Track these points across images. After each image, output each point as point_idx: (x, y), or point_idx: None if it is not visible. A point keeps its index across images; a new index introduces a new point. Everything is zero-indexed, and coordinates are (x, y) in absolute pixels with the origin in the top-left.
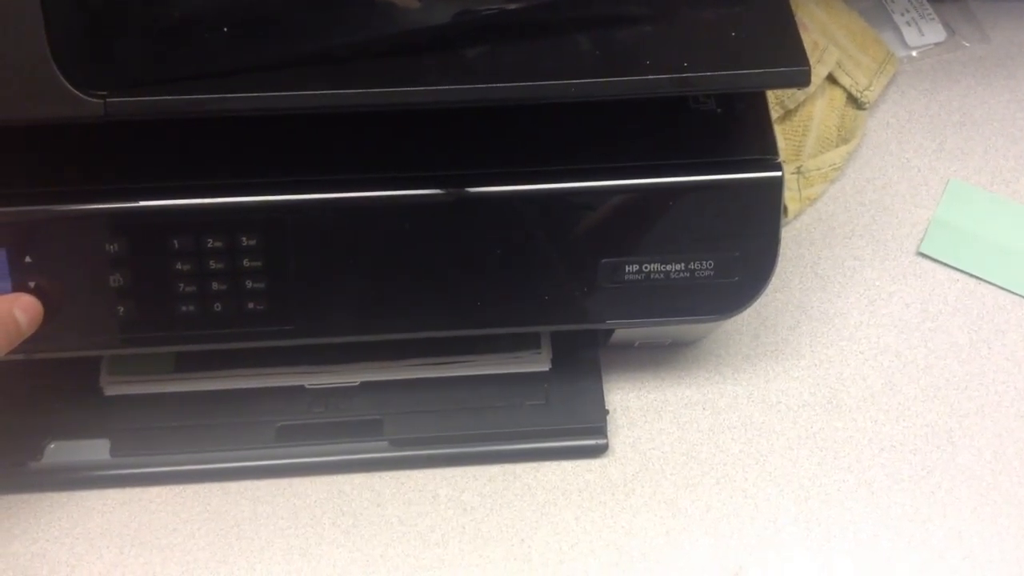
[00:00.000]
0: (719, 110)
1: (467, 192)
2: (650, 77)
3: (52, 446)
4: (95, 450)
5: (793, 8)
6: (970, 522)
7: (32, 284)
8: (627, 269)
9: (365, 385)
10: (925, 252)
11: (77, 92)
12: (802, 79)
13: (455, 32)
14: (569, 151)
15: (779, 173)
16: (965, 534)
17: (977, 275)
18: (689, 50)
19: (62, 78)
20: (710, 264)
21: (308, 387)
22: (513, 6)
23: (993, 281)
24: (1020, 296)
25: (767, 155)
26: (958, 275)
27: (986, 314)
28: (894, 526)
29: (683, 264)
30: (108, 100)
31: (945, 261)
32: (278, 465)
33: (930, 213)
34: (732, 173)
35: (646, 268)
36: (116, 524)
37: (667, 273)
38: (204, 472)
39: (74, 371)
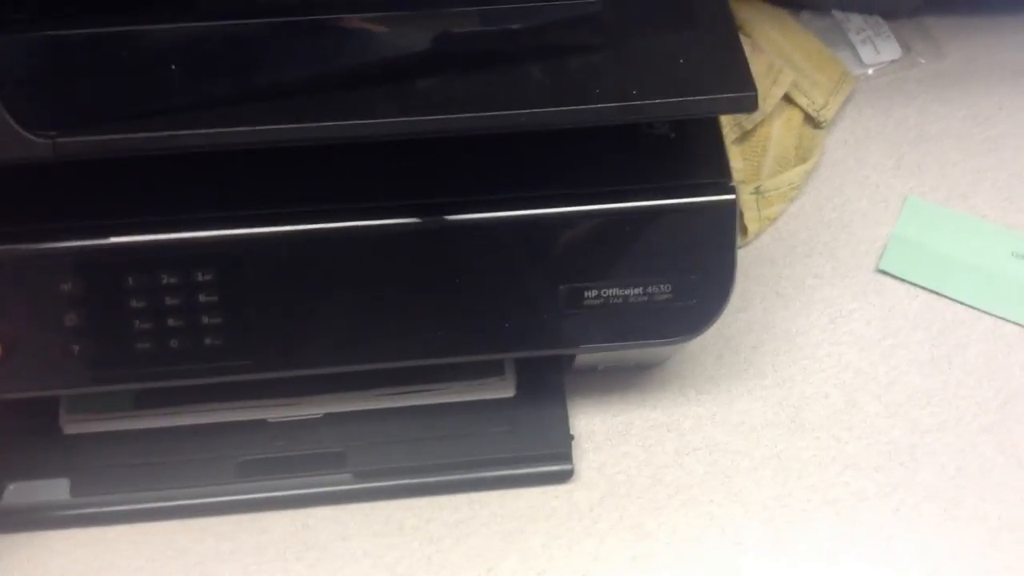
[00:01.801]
0: (672, 135)
1: (424, 221)
2: (599, 106)
3: (11, 487)
4: (55, 490)
5: (748, 31)
6: (934, 538)
7: None
8: (586, 294)
9: (328, 417)
10: (885, 269)
11: (26, 133)
12: (749, 104)
13: (406, 64)
14: (525, 179)
15: (732, 196)
16: (929, 550)
17: (936, 291)
18: (638, 78)
19: (10, 119)
20: (668, 287)
21: (270, 421)
22: (464, 38)
23: (952, 296)
24: (979, 311)
25: (720, 178)
26: (918, 291)
27: (946, 329)
28: (859, 544)
29: (641, 288)
30: (57, 140)
31: (904, 277)
32: (241, 500)
33: (889, 230)
34: (686, 197)
35: (605, 293)
36: (79, 564)
37: (626, 297)
38: (166, 509)
39: (33, 410)
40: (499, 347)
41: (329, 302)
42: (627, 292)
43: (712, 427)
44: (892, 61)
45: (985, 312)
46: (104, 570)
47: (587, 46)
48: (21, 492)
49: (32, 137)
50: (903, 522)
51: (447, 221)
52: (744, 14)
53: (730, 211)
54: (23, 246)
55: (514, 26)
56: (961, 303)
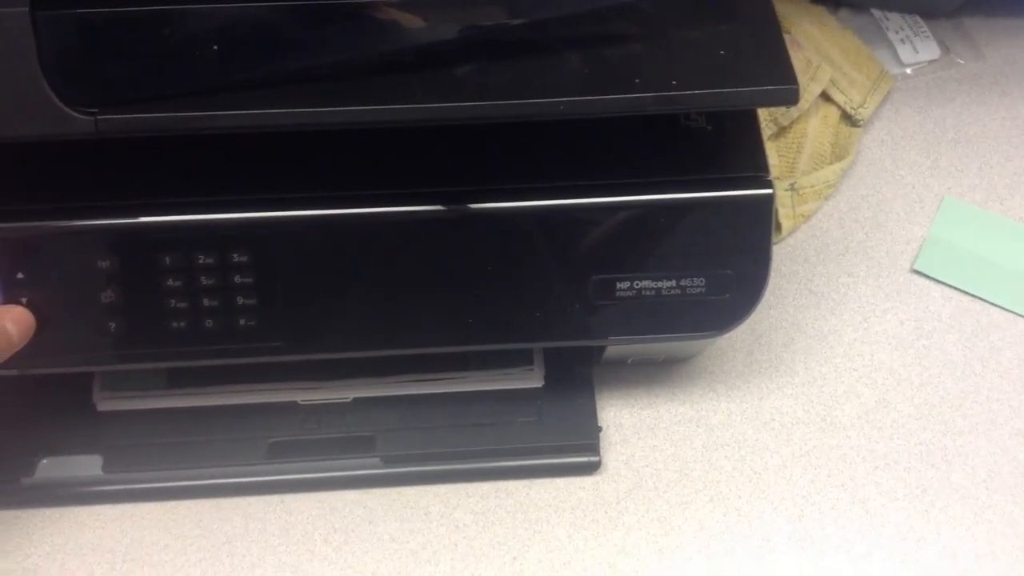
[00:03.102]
0: (710, 128)
1: (459, 209)
2: (639, 95)
3: (45, 462)
4: (87, 466)
5: (787, 27)
6: (964, 540)
7: (24, 300)
8: (619, 286)
9: (358, 401)
10: (919, 269)
11: (68, 110)
12: (790, 97)
13: (445, 51)
14: (561, 168)
15: (770, 191)
16: (959, 552)
17: (971, 292)
18: (678, 69)
19: (54, 96)
20: (701, 281)
21: (301, 403)
22: (504, 25)
23: (987, 299)
24: (1014, 313)
25: (758, 172)
26: (952, 292)
27: (980, 331)
28: (888, 544)
29: (674, 281)
30: (99, 117)
31: (939, 278)
32: (270, 482)
33: (924, 230)
34: (723, 191)
35: (637, 285)
36: (108, 540)
37: (658, 290)
38: (196, 488)
39: (67, 387)
40: (530, 337)
41: (362, 287)
42: (660, 285)
43: (741, 423)
44: (931, 61)
45: (1020, 315)
46: (132, 546)
47: (627, 36)
48: (53, 467)
49: (74, 114)
50: (933, 524)
51: (482, 209)
52: (783, 10)
53: (767, 205)
54: (62, 223)
55: (555, 14)
56: (996, 306)
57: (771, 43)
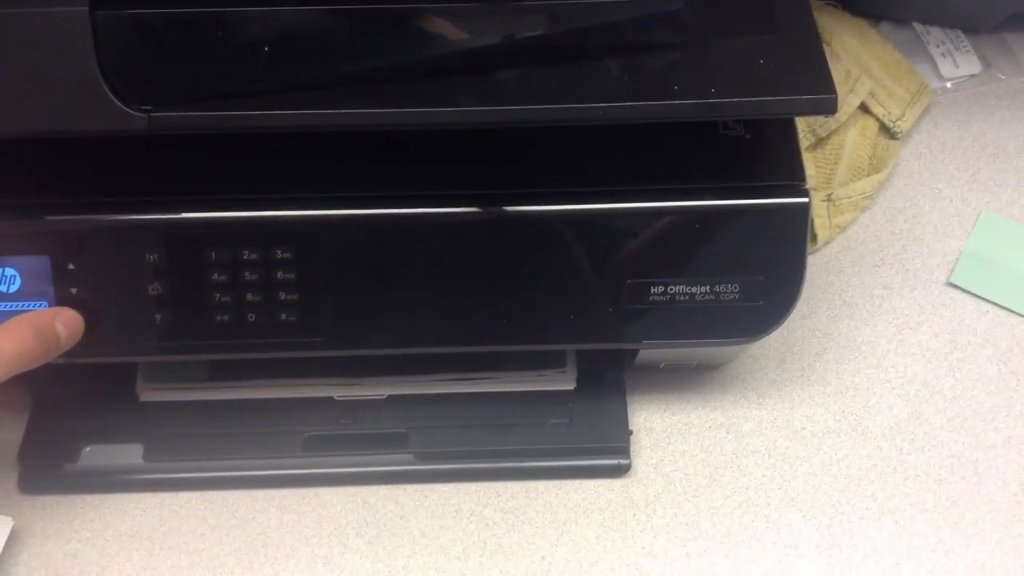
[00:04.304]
0: (748, 136)
1: (497, 211)
2: (678, 102)
3: (88, 449)
4: (129, 454)
5: (827, 39)
6: (994, 553)
7: (74, 291)
8: (653, 290)
9: (392, 399)
10: (955, 283)
11: (124, 107)
12: (828, 107)
13: (487, 56)
14: (599, 173)
15: (806, 200)
16: (988, 566)
17: (1007, 307)
18: (717, 76)
19: (110, 93)
20: (735, 288)
21: (336, 399)
22: (546, 33)
23: (1023, 313)
24: None
25: (794, 181)
26: (988, 307)
27: (1016, 346)
28: (917, 556)
29: (708, 287)
30: (153, 115)
31: (975, 292)
32: (305, 475)
33: (961, 244)
34: (759, 198)
35: (672, 290)
36: (146, 527)
37: (692, 295)
38: (233, 479)
39: (111, 378)
40: (564, 338)
41: (399, 286)
42: (694, 290)
43: (772, 431)
44: (971, 76)
45: None
46: (170, 534)
47: (668, 44)
48: (96, 454)
49: (129, 110)
50: (962, 536)
51: (520, 212)
52: (824, 22)
53: (803, 214)
54: (112, 217)
55: (596, 22)
56: None
57: (810, 53)
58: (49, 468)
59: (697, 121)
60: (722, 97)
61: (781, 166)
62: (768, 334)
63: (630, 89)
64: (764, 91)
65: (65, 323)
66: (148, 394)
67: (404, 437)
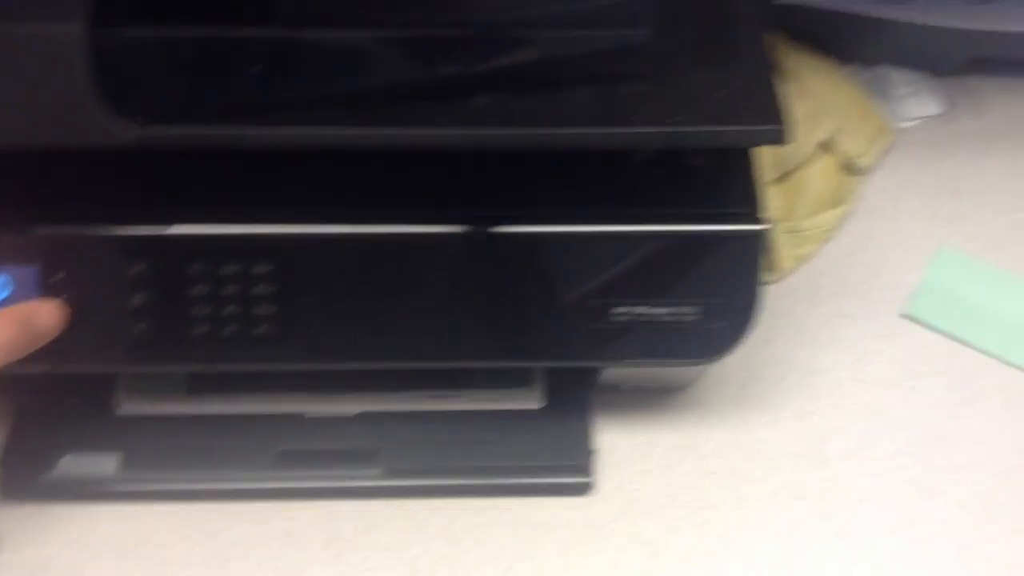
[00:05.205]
0: (709, 165)
1: (466, 232)
2: (639, 130)
3: (65, 459)
4: (105, 465)
5: (794, 77)
6: (947, 575)
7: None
8: (615, 311)
9: (362, 416)
10: (912, 314)
11: (114, 122)
12: (779, 137)
13: (459, 83)
14: (565, 197)
15: (761, 227)
16: None
17: (962, 339)
18: (678, 107)
19: (101, 108)
20: (694, 310)
21: (309, 415)
22: (517, 61)
23: (976, 345)
24: (1001, 360)
25: (750, 209)
26: (942, 338)
27: (969, 377)
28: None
29: (669, 309)
30: (143, 130)
31: (931, 324)
32: (276, 488)
33: (919, 277)
34: (717, 225)
35: (633, 311)
36: (118, 537)
37: (653, 317)
38: (205, 492)
39: (90, 390)
40: (527, 356)
41: (372, 302)
42: (655, 312)
43: (732, 453)
44: (934, 116)
45: (1007, 363)
46: (140, 544)
47: (632, 74)
48: (72, 464)
49: (120, 126)
50: (916, 557)
51: (487, 232)
52: (793, 63)
53: (758, 240)
54: (98, 229)
55: (564, 52)
56: (984, 352)
57: (764, 87)
58: (26, 477)
59: (659, 150)
60: (680, 127)
61: (739, 194)
62: (727, 355)
63: (595, 117)
64: (720, 122)
65: (49, 313)
66: (126, 407)
67: (373, 453)
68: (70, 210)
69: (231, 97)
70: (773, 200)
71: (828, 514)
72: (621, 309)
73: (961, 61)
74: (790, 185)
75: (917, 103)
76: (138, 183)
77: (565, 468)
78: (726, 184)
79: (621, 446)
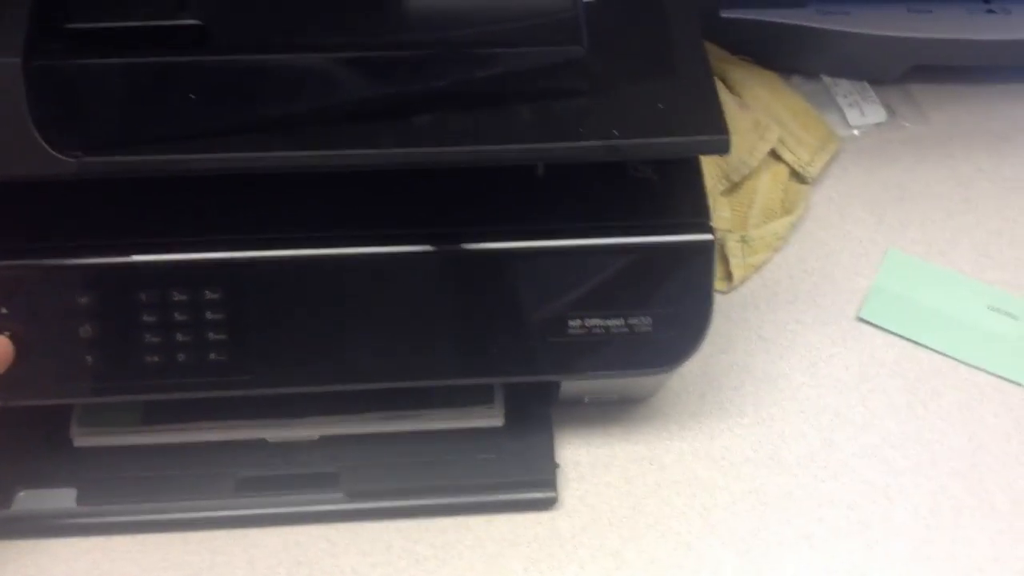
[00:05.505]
0: (656, 177)
1: (418, 250)
2: (582, 144)
3: (21, 494)
4: (62, 499)
5: (739, 90)
6: (904, 575)
7: (6, 334)
8: (570, 324)
9: (323, 439)
10: (864, 317)
11: (53, 152)
12: (721, 147)
13: (402, 101)
14: (515, 213)
15: (709, 236)
16: None
17: (914, 340)
18: (619, 120)
19: (40, 139)
20: (648, 320)
21: (269, 441)
22: (457, 79)
23: (929, 346)
24: (955, 360)
25: (699, 218)
26: (896, 340)
27: (922, 377)
28: None
29: (623, 320)
30: (82, 159)
31: (883, 326)
32: (237, 516)
33: (869, 281)
34: (667, 235)
35: (588, 323)
36: (79, 572)
37: (608, 328)
38: (166, 522)
39: (45, 423)
40: (485, 372)
41: (324, 324)
42: (609, 323)
43: (693, 462)
44: (877, 124)
45: (960, 362)
46: None
47: (572, 90)
48: (30, 500)
49: (59, 156)
50: (875, 559)
51: (438, 250)
52: (735, 75)
53: (708, 249)
54: (44, 260)
55: (505, 69)
56: (938, 352)
57: (705, 97)
58: None
59: (605, 162)
60: (623, 139)
61: (687, 205)
62: (683, 363)
63: (538, 132)
64: (662, 133)
65: None
66: (82, 439)
67: (335, 477)
68: (12, 243)
69: (170, 124)
70: (724, 210)
71: (790, 519)
72: (577, 322)
73: (902, 69)
74: (740, 195)
75: (860, 112)
76: (82, 214)
77: (529, 484)
78: (675, 196)
79: (583, 460)
